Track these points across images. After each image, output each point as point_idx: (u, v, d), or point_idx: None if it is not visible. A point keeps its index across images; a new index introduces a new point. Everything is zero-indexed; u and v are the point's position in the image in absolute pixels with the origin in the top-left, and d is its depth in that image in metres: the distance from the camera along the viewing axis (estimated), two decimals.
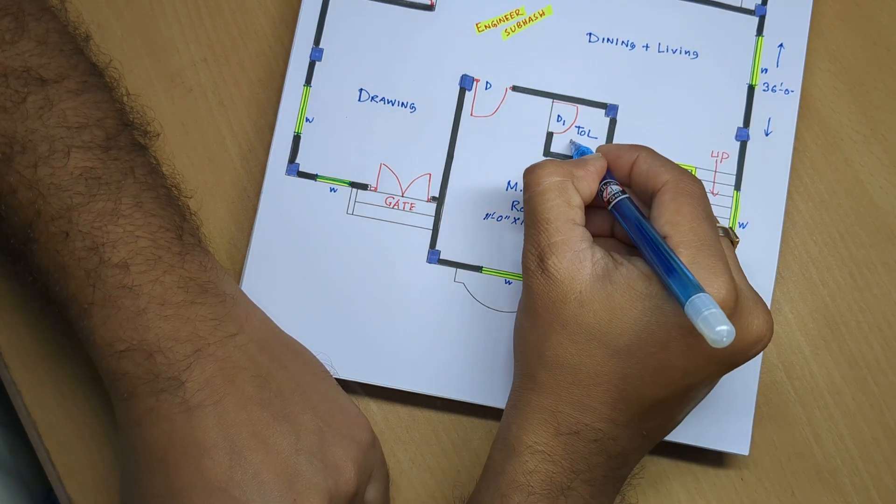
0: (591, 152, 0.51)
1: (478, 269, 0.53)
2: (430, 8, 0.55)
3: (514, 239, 0.53)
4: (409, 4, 0.55)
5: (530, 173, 0.48)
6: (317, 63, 0.54)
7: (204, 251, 0.49)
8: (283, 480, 0.45)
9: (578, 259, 0.46)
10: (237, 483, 0.44)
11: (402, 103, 0.54)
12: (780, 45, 0.54)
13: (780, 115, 0.54)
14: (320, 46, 0.54)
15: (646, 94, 0.54)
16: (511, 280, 0.53)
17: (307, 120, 0.54)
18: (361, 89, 0.54)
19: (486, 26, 0.55)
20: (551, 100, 0.54)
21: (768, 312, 0.46)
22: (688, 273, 0.43)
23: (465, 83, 0.54)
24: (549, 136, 0.54)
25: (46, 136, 0.47)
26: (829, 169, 0.56)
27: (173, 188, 0.50)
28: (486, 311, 0.52)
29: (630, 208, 0.47)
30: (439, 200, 0.53)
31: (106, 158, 0.47)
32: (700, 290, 0.42)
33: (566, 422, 0.46)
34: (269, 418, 0.46)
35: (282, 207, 0.53)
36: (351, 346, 0.52)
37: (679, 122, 0.54)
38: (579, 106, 0.54)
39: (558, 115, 0.54)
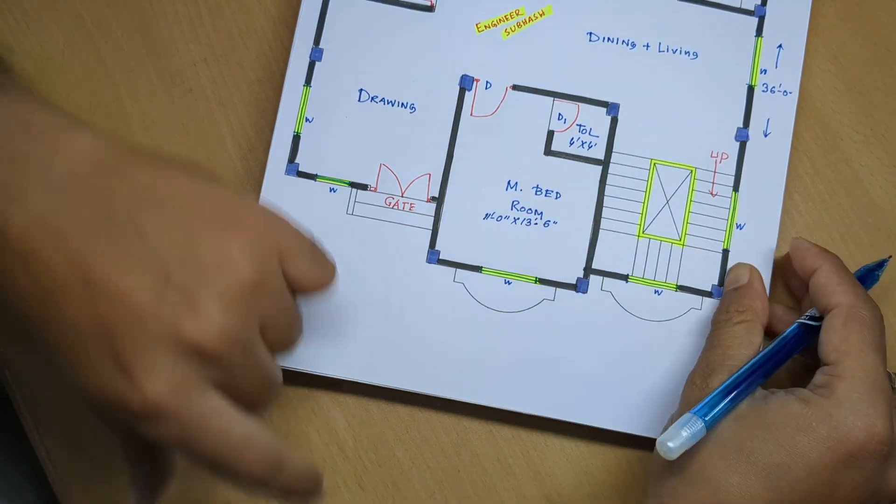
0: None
1: (478, 269, 0.53)
2: (429, 8, 0.55)
3: (513, 239, 0.53)
4: (408, 5, 0.54)
5: (741, 297, 0.50)
6: (317, 63, 0.54)
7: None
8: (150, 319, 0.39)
9: None
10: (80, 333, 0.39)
11: (402, 103, 0.54)
12: (780, 46, 0.55)
13: (778, 116, 0.54)
14: (320, 46, 0.54)
15: (646, 94, 0.54)
16: (511, 280, 0.53)
17: (307, 120, 0.54)
18: (361, 89, 0.54)
19: (486, 26, 0.55)
20: (552, 98, 0.54)
21: None
22: (722, 405, 0.45)
23: (465, 83, 0.54)
24: (550, 134, 0.54)
25: None
26: (829, 169, 0.56)
27: None
28: (486, 311, 0.53)
29: (798, 338, 0.49)
30: (439, 200, 0.53)
31: None
32: (704, 421, 0.45)
33: None
34: (114, 250, 0.39)
35: (281, 207, 0.53)
36: (351, 345, 0.52)
37: (679, 122, 0.54)
38: (580, 104, 0.54)
39: (559, 114, 0.54)
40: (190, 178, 0.42)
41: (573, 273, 0.53)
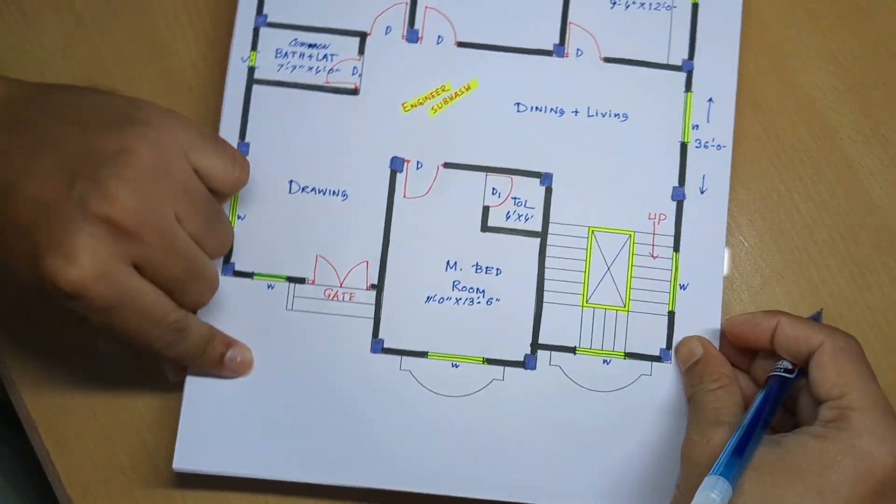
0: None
1: (423, 354, 0.52)
2: (354, 91, 0.54)
3: (457, 320, 0.52)
4: (332, 90, 0.54)
5: (708, 368, 0.50)
6: None
7: None
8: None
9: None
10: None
11: (334, 192, 0.53)
12: (710, 100, 0.54)
13: (713, 171, 0.54)
14: (246, 141, 0.53)
15: (579, 160, 0.54)
16: (458, 363, 0.52)
17: (239, 217, 0.53)
18: (291, 181, 0.53)
19: (412, 105, 0.54)
20: (485, 173, 0.54)
21: None
22: (739, 465, 0.44)
23: (396, 165, 0.54)
24: (486, 210, 0.53)
25: None
26: (829, 169, 0.56)
27: None
28: (435, 397, 0.52)
29: (781, 388, 0.48)
30: (379, 287, 0.53)
31: None
32: (729, 480, 0.43)
33: None
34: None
35: (220, 309, 0.52)
36: (299, 445, 0.51)
37: (614, 186, 0.54)
38: (513, 177, 0.54)
39: (493, 188, 0.54)
40: (88, 93, 0.47)
41: (520, 350, 0.52)
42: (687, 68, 0.54)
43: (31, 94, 0.47)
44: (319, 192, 0.53)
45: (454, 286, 0.53)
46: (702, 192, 0.54)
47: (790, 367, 0.49)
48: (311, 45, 0.54)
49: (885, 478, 0.44)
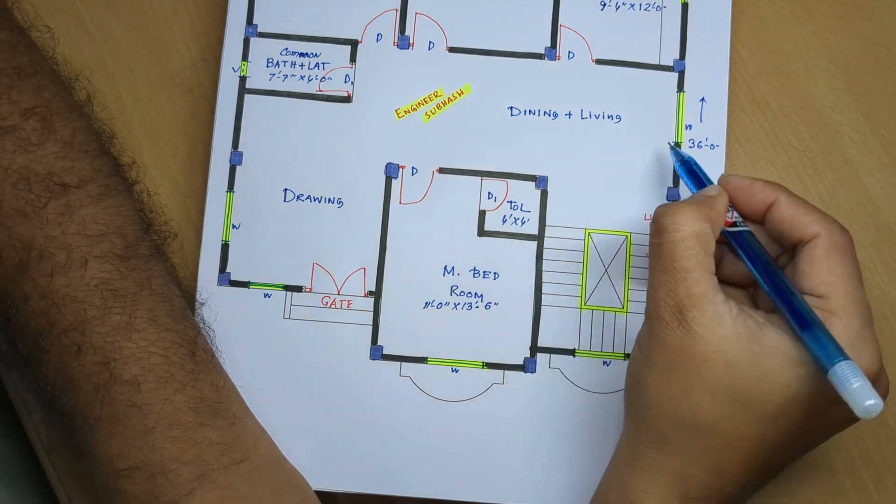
0: (696, 169, 0.49)
1: (423, 360, 0.52)
2: (347, 99, 0.54)
3: (456, 325, 0.52)
4: (325, 98, 0.54)
5: (668, 217, 0.45)
6: (238, 167, 0.53)
7: (217, 369, 0.48)
8: None
9: (719, 314, 0.43)
10: None
11: (329, 199, 0.53)
12: (702, 100, 0.54)
13: (707, 171, 0.53)
14: (239, 150, 0.53)
15: (574, 163, 0.54)
16: (458, 368, 0.52)
17: (234, 227, 0.53)
18: (286, 189, 0.53)
19: (405, 111, 0.54)
20: (480, 177, 0.54)
21: (887, 377, 0.45)
22: (831, 336, 0.42)
23: (391, 171, 0.53)
24: (482, 214, 0.53)
25: (64, 244, 0.46)
26: (829, 169, 0.56)
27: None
28: (436, 402, 0.52)
29: (757, 246, 0.45)
30: (376, 294, 0.52)
31: (123, 269, 0.47)
32: (844, 355, 0.41)
33: (696, 486, 0.44)
34: None
35: (216, 320, 0.52)
36: (299, 453, 0.51)
37: (610, 188, 0.54)
38: (509, 181, 0.54)
39: (489, 193, 0.54)
40: None
41: (520, 354, 0.52)
42: (678, 68, 0.54)
43: (271, 494, 0.48)
44: (315, 200, 0.53)
45: (452, 291, 0.53)
46: None
47: (739, 221, 0.47)
48: (302, 54, 0.54)
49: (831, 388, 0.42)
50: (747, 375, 0.43)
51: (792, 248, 0.47)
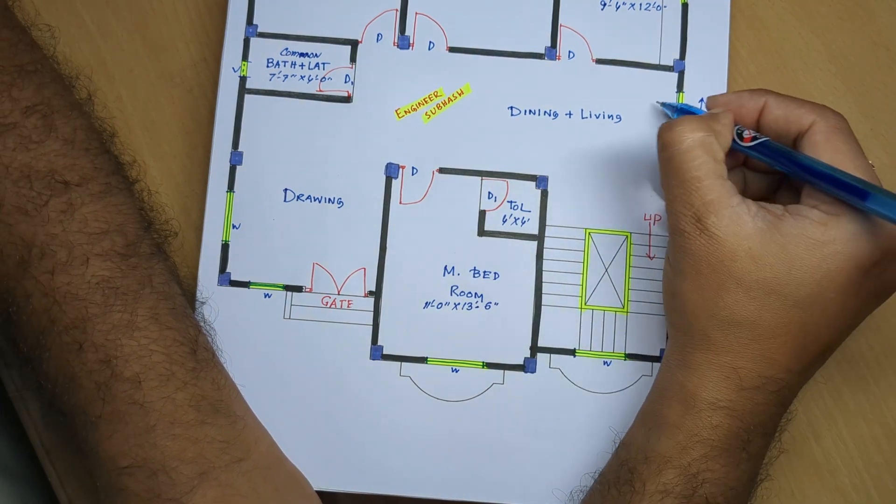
0: (694, 109, 0.51)
1: (423, 360, 0.52)
2: (347, 99, 0.54)
3: (456, 325, 0.52)
4: (325, 98, 0.54)
5: (669, 131, 0.47)
6: (238, 167, 0.53)
7: (218, 367, 0.49)
8: None
9: (737, 215, 0.45)
10: None
11: (329, 199, 0.53)
12: (701, 100, 0.54)
13: None
14: (239, 150, 0.53)
15: (574, 163, 0.54)
16: (458, 368, 0.52)
17: (234, 227, 0.53)
18: (286, 189, 0.53)
19: (405, 111, 0.54)
20: (480, 177, 0.54)
21: None
22: (883, 189, 0.43)
23: (391, 171, 0.53)
24: (482, 214, 0.53)
25: (66, 242, 0.46)
26: None
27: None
28: (436, 402, 0.52)
29: (782, 148, 0.47)
30: (376, 294, 0.52)
31: (125, 267, 0.47)
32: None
33: (748, 377, 0.46)
34: None
35: (216, 320, 0.52)
36: (300, 453, 0.51)
37: (610, 188, 0.54)
38: (509, 181, 0.54)
39: (489, 192, 0.54)
40: None
41: (520, 354, 0.52)
42: (678, 68, 0.54)
43: (272, 493, 0.48)
44: (315, 200, 0.53)
45: (452, 291, 0.53)
46: None
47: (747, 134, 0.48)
48: (302, 54, 0.54)
49: (869, 266, 0.45)
50: (775, 265, 0.45)
51: (793, 145, 0.48)
